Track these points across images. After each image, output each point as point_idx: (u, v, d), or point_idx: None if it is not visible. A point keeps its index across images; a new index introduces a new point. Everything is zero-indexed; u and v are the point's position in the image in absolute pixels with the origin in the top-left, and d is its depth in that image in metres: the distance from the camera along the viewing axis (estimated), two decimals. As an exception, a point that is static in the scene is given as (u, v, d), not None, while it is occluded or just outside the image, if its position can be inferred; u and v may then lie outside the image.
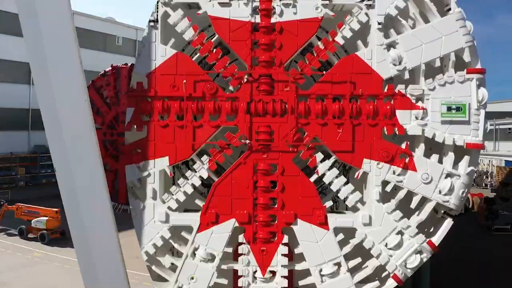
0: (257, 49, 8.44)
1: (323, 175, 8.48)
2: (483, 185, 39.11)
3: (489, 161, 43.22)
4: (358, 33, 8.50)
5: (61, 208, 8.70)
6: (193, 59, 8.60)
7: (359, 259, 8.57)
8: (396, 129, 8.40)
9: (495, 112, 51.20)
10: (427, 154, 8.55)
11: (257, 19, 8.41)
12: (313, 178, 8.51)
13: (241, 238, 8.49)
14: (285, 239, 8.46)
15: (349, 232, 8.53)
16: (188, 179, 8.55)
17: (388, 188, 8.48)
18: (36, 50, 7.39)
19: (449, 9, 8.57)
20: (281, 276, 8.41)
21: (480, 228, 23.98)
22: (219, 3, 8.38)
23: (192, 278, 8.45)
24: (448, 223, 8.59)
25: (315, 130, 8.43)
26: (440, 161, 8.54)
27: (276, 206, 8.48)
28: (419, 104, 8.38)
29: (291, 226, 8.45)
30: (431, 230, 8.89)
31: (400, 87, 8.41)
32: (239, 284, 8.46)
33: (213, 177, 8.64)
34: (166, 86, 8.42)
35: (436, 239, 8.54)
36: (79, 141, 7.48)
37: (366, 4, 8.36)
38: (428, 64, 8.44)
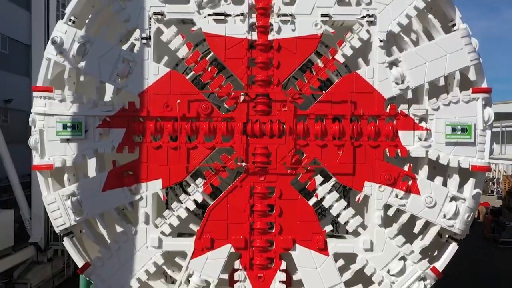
0: (254, 67, 8.36)
1: (323, 198, 8.42)
2: (489, 191, 39.09)
3: (496, 166, 43.21)
4: (359, 50, 8.45)
5: None
6: (188, 76, 8.52)
7: (360, 286, 8.49)
8: (399, 150, 8.33)
9: (502, 113, 51.21)
10: (431, 175, 8.51)
11: (254, 36, 8.34)
12: (312, 202, 8.45)
13: (237, 264, 8.41)
14: (283, 265, 8.39)
15: (350, 258, 8.46)
16: (182, 203, 8.47)
17: (390, 212, 8.42)
18: None
19: (454, 25, 8.52)
20: (279, 304, 8.34)
21: (486, 240, 23.89)
22: (214, 19, 8.31)
23: (186, 306, 8.38)
24: (453, 247, 8.51)
25: (314, 152, 8.36)
26: (445, 183, 8.49)
27: (273, 231, 8.41)
28: (423, 124, 8.31)
29: (289, 251, 8.37)
30: (435, 254, 8.83)
31: (402, 107, 8.35)
32: (235, 312, 8.39)
33: (208, 201, 8.57)
34: (159, 105, 8.34)
35: (440, 264, 8.46)
36: None
37: (367, 21, 8.30)
38: (432, 83, 8.38)
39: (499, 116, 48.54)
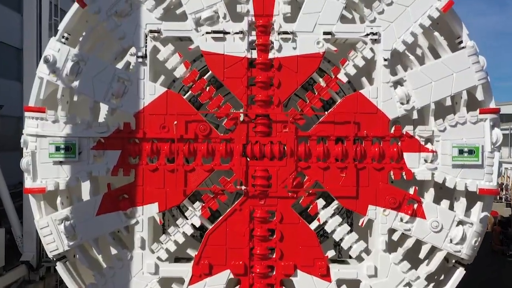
0: (254, 87, 8.38)
1: (325, 222, 8.43)
2: (498, 198, 39.06)
3: (505, 171, 43.12)
4: (362, 68, 8.46)
5: None
6: (185, 96, 8.53)
7: (364, 313, 8.51)
8: (404, 173, 8.35)
9: (510, 115, 51.13)
10: (438, 196, 8.52)
11: (254, 54, 8.35)
12: (314, 226, 8.46)
13: (236, 290, 8.43)
14: (284, 292, 8.41)
15: (353, 284, 8.47)
16: (179, 227, 8.48)
17: (395, 237, 8.44)
18: None
19: (461, 42, 8.54)
20: (280, 332, 8.36)
21: (494, 253, 23.83)
22: (212, 37, 8.32)
23: (184, 334, 8.38)
24: (460, 272, 8.52)
25: (316, 174, 8.37)
26: (451, 206, 8.51)
27: (274, 256, 8.42)
28: (429, 146, 8.33)
29: (290, 278, 8.38)
30: (441, 279, 8.84)
31: (408, 128, 8.37)
32: None
33: (206, 225, 8.58)
34: (155, 126, 8.35)
35: (447, 291, 8.50)
36: None
37: (371, 39, 8.31)
38: (438, 103, 8.39)
39: (507, 118, 48.55)
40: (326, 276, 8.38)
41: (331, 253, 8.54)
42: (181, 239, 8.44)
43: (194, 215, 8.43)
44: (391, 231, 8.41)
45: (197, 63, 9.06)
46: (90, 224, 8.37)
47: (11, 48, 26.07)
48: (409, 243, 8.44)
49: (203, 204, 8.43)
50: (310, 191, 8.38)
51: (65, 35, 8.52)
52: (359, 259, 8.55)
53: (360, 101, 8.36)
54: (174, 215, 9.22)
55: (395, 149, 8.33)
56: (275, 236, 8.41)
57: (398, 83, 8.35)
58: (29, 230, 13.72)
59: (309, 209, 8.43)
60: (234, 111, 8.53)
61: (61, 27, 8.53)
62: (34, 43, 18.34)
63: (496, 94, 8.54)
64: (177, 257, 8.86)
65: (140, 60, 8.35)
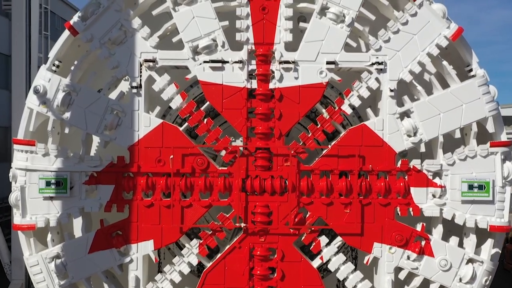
0: (254, 119, 8.42)
1: (328, 260, 8.47)
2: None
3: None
4: (367, 99, 8.51)
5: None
6: (182, 128, 8.56)
7: None
8: (411, 209, 8.38)
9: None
10: (446, 233, 8.56)
11: (254, 84, 8.39)
12: (316, 264, 8.49)
13: (235, 332, 8.46)
14: (285, 333, 8.44)
15: (358, 325, 8.51)
16: (175, 265, 8.51)
17: (402, 276, 8.47)
18: None
19: (471, 70, 8.58)
20: None
21: (506, 272, 23.81)
22: (210, 67, 8.36)
23: None
24: (469, 311, 8.56)
25: (319, 210, 8.41)
26: (461, 242, 8.55)
27: (275, 296, 8.46)
28: (437, 181, 8.36)
29: (292, 318, 8.42)
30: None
31: (415, 162, 8.40)
32: None
33: (204, 263, 8.61)
34: (150, 160, 8.38)
35: (456, 330, 8.52)
36: None
37: (376, 69, 8.35)
38: (446, 136, 8.43)
39: (512, 120, 48.57)
40: (329, 316, 8.43)
41: (334, 292, 8.60)
42: (177, 279, 8.46)
43: (191, 253, 8.45)
44: (398, 269, 8.44)
45: (194, 89, 9.09)
46: (82, 262, 8.39)
47: (-1, 54, 26.13)
48: (416, 282, 8.47)
49: (201, 242, 8.46)
50: (313, 228, 8.41)
51: (56, 62, 8.56)
52: (364, 298, 8.58)
53: (365, 134, 8.39)
54: (170, 248, 9.27)
55: (401, 184, 8.36)
56: (276, 275, 8.43)
57: (405, 114, 8.39)
58: (17, 256, 13.71)
59: (312, 246, 8.46)
60: (233, 144, 8.59)
61: (51, 54, 8.55)
62: (23, 49, 18.36)
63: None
64: (174, 295, 8.90)
65: (134, 90, 8.38)
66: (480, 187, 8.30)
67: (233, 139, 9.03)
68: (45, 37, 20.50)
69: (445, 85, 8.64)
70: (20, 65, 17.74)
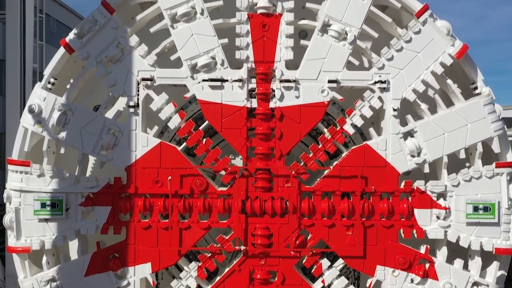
0: (254, 138, 8.42)
1: (330, 284, 8.48)
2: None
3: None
4: (370, 119, 8.51)
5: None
6: (180, 148, 8.56)
7: None
8: (415, 231, 8.39)
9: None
10: (451, 253, 8.57)
11: (254, 103, 8.39)
12: (318, 287, 8.50)
13: None
14: None
15: None
16: (173, 289, 8.52)
17: (405, 299, 8.49)
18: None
19: (476, 88, 8.59)
20: None
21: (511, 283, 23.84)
22: (209, 85, 8.36)
23: None
24: (474, 335, 8.57)
25: (320, 232, 8.40)
26: (466, 264, 8.55)
27: (275, 320, 8.46)
28: (441, 202, 8.36)
29: None
30: None
31: (419, 183, 8.40)
32: None
33: (203, 286, 8.62)
34: (148, 181, 8.37)
35: None
36: None
37: (379, 87, 8.35)
38: (451, 156, 8.43)
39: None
40: None
41: (336, 316, 8.58)
42: (176, 303, 8.48)
43: (190, 276, 8.46)
44: (401, 293, 8.46)
45: (193, 105, 9.09)
46: (78, 285, 8.37)
47: (-8, 59, 26.10)
48: (420, 305, 8.48)
49: (199, 264, 8.47)
50: (314, 251, 8.42)
51: (51, 80, 8.56)
52: (367, 322, 8.59)
53: (367, 154, 8.39)
54: (168, 268, 9.26)
55: (405, 205, 8.36)
56: (276, 298, 8.45)
57: (408, 134, 8.39)
58: (11, 272, 13.72)
59: (313, 270, 8.46)
60: (233, 162, 8.60)
61: (46, 72, 8.54)
62: (17, 53, 18.39)
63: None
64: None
65: (131, 110, 8.38)
66: (486, 208, 8.31)
67: (233, 157, 9.05)
68: (40, 46, 20.55)
69: (449, 102, 8.65)
70: (14, 70, 17.80)
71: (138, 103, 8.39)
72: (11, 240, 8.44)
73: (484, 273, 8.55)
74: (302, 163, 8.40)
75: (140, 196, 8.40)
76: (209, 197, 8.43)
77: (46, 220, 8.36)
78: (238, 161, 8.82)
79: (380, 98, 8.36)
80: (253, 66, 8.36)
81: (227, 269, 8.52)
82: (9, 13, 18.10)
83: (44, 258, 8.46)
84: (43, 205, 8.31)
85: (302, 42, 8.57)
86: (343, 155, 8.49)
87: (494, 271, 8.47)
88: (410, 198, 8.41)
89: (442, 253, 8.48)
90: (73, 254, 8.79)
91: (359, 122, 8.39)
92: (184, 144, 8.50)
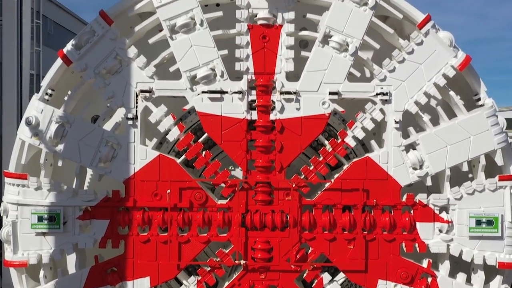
0: (254, 151, 8.42)
1: (331, 298, 8.49)
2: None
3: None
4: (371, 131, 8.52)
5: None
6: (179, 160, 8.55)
7: None
8: (417, 245, 8.39)
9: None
10: (454, 265, 8.57)
11: (254, 115, 8.39)
12: (319, 302, 8.51)
13: None
14: None
15: None
16: (172, 303, 8.53)
17: (407, 314, 8.49)
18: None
19: (479, 99, 8.59)
20: None
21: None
22: (209, 97, 8.36)
23: None
24: None
25: (321, 246, 8.40)
26: (469, 279, 8.56)
27: (276, 335, 8.47)
28: (444, 215, 8.36)
29: None
30: None
31: (421, 196, 8.40)
32: None
33: (202, 300, 8.63)
34: (147, 194, 8.37)
35: None
36: None
37: (381, 99, 8.35)
38: (453, 169, 8.44)
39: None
40: None
41: (337, 332, 8.58)
42: (175, 318, 8.49)
43: (189, 291, 8.48)
44: (403, 307, 8.46)
45: (192, 116, 9.09)
46: (76, 300, 8.41)
47: (-11, 61, 26.07)
48: (422, 320, 8.48)
49: (199, 279, 8.47)
50: (315, 265, 8.42)
51: (49, 91, 8.55)
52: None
53: (369, 167, 8.39)
54: (167, 282, 9.26)
55: (407, 219, 8.35)
56: (277, 313, 8.45)
57: (410, 146, 8.39)
58: (8, 282, 13.74)
59: (314, 284, 8.46)
60: (232, 173, 8.60)
61: (44, 83, 8.52)
62: (14, 55, 18.38)
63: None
64: (171, 333, 8.92)
65: (130, 122, 8.38)
66: (489, 222, 8.30)
67: (232, 168, 9.06)
68: (37, 43, 20.57)
69: (451, 112, 8.65)
70: (11, 72, 17.77)
71: (136, 115, 8.38)
72: (8, 254, 8.44)
73: (487, 287, 8.54)
74: (303, 176, 8.39)
75: (139, 210, 8.39)
76: (209, 210, 8.42)
77: (44, 233, 8.35)
78: (238, 172, 8.82)
79: (381, 110, 8.35)
80: (253, 78, 8.36)
81: (227, 284, 8.52)
82: (6, 19, 18.13)
83: (41, 272, 8.45)
84: (41, 219, 8.30)
85: (303, 53, 8.54)
86: (344, 167, 8.48)
87: (498, 285, 8.47)
88: (412, 212, 8.41)
89: (444, 267, 8.48)
90: (71, 268, 8.77)
91: (361, 135, 8.39)
92: (183, 156, 8.49)
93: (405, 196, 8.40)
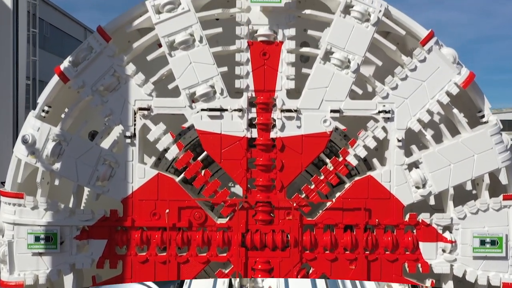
0: (254, 170, 8.41)
1: (333, 319, 8.49)
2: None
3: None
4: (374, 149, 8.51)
5: None
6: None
7: None
8: (420, 265, 8.38)
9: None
10: (457, 284, 8.56)
11: (254, 133, 8.38)
12: (320, 321, 8.53)
13: None
14: None
15: None
16: (171, 324, 8.53)
17: (410, 335, 8.50)
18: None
19: (482, 116, 8.58)
20: None
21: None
22: (208, 115, 8.35)
23: None
24: None
25: (323, 266, 8.39)
26: (471, 297, 8.57)
27: None
28: (447, 235, 8.35)
29: None
30: None
31: (424, 216, 8.38)
32: None
33: (201, 321, 8.63)
34: (145, 213, 8.37)
35: None
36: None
37: (383, 117, 8.34)
38: (457, 188, 8.43)
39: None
40: None
41: None
42: (174, 338, 8.48)
43: (188, 311, 8.48)
44: (406, 328, 8.48)
45: (191, 131, 9.07)
46: (73, 321, 8.40)
47: (-16, 65, 26.06)
48: None
49: (198, 300, 8.49)
50: (316, 285, 8.43)
51: (45, 108, 8.53)
52: None
53: (371, 185, 8.38)
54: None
55: (410, 239, 8.34)
56: (277, 334, 8.46)
57: (413, 165, 8.37)
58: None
59: (315, 305, 8.48)
60: (232, 190, 8.59)
61: (40, 100, 8.49)
62: (10, 61, 18.38)
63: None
64: None
65: (128, 140, 8.37)
66: (493, 242, 8.29)
67: (232, 185, 9.06)
68: (33, 44, 20.55)
69: (454, 129, 8.63)
70: (6, 78, 17.78)
71: (135, 133, 8.37)
72: (4, 274, 8.43)
73: (491, 306, 8.55)
74: (304, 195, 8.38)
75: (137, 229, 8.39)
76: (208, 230, 8.42)
77: (40, 254, 8.34)
78: (238, 188, 8.81)
79: (384, 128, 8.34)
80: (253, 95, 8.34)
81: (226, 304, 8.53)
82: (2, 28, 18.15)
83: (38, 293, 8.46)
84: (37, 239, 8.29)
85: (304, 70, 8.52)
86: (346, 186, 8.47)
87: (501, 304, 8.47)
88: (415, 231, 8.40)
89: (448, 286, 8.47)
90: (68, 289, 8.76)
91: (363, 154, 8.37)
92: (182, 174, 8.48)
93: (407, 216, 8.38)
